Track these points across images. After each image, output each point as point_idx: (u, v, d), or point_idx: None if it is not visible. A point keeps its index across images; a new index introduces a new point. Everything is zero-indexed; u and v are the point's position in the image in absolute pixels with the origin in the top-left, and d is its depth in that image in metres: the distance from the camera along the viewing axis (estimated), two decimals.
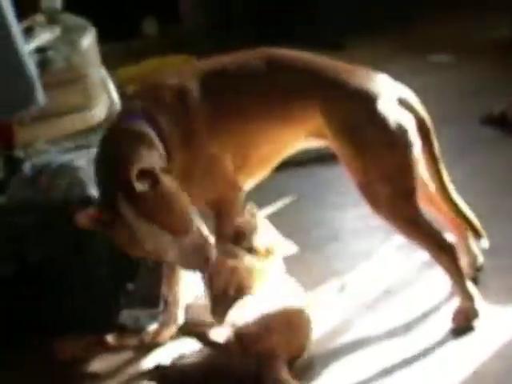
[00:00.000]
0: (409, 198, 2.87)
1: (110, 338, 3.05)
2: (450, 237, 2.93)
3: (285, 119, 2.93)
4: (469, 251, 3.13)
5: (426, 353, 2.81)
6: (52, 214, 3.09)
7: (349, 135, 2.88)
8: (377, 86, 2.94)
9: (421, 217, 2.89)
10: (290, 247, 3.00)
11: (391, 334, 2.93)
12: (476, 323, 2.88)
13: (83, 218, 2.56)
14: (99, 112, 4.10)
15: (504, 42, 5.07)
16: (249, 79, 2.94)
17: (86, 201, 3.02)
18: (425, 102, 2.97)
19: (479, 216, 3.06)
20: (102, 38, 4.43)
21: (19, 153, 3.54)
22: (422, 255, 3.27)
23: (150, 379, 2.79)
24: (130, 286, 3.16)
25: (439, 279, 3.12)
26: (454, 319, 2.93)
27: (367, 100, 2.88)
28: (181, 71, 3.07)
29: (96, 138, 3.43)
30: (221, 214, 2.91)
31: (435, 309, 3.03)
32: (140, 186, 2.48)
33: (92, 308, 3.06)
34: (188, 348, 2.86)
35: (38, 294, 3.11)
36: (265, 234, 2.94)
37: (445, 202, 3.05)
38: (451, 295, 3.03)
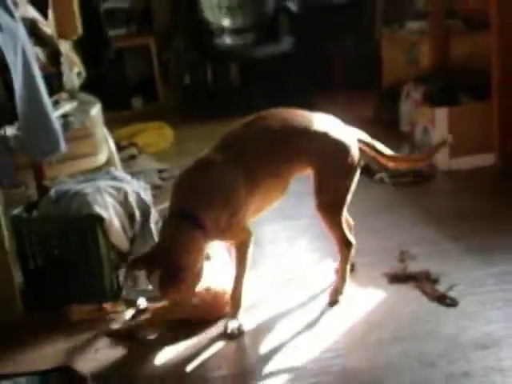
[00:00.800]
0: (340, 208, 2.88)
1: (107, 306, 3.02)
2: (352, 239, 2.96)
3: (290, 166, 2.85)
4: None
5: (314, 320, 2.85)
6: (68, 225, 3.05)
7: (324, 168, 2.85)
8: (344, 132, 2.91)
9: (341, 221, 2.90)
10: None
11: (292, 306, 2.96)
12: (344, 298, 2.94)
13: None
14: (102, 157, 4.09)
15: (368, 118, 5.11)
16: (261, 144, 2.80)
17: (92, 215, 3.01)
18: None
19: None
20: (105, 109, 4.41)
21: (47, 183, 3.51)
22: (314, 256, 3.31)
23: None
24: (121, 273, 3.11)
25: (324, 271, 3.15)
26: (330, 295, 2.95)
27: (338, 145, 2.85)
28: (210, 158, 2.81)
29: (99, 175, 3.45)
30: (239, 252, 2.81)
31: (319, 290, 3.06)
32: None
33: (95, 286, 3.04)
34: None
35: (59, 278, 3.07)
36: None
37: (396, 163, 3.12)
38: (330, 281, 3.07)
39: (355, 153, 2.90)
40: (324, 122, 2.91)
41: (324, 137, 2.85)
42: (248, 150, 2.79)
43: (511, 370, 2.37)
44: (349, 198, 2.89)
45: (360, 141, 2.97)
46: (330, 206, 2.88)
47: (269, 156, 2.80)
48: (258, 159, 2.78)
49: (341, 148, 2.86)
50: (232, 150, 2.79)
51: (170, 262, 2.54)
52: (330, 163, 2.86)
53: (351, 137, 2.92)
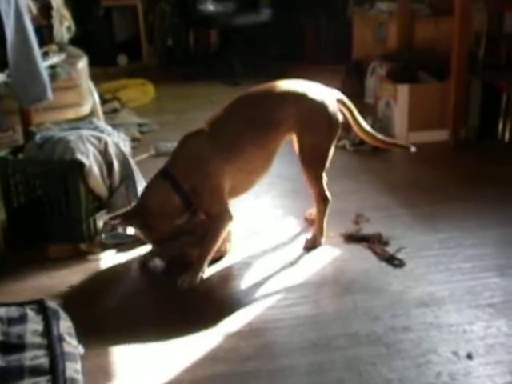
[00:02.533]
0: (321, 164, 2.92)
1: (83, 246, 3.01)
2: (329, 195, 3.00)
3: (274, 132, 2.85)
4: None
5: (272, 270, 2.85)
6: (51, 168, 3.01)
7: (307, 128, 2.87)
8: (324, 93, 2.93)
9: (321, 176, 2.95)
10: None
11: (252, 257, 2.97)
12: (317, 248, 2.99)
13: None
14: (86, 108, 4.03)
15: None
16: (240, 120, 2.82)
17: (73, 161, 2.97)
18: None
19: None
20: (92, 64, 4.33)
21: (34, 128, 3.46)
22: (277, 212, 3.31)
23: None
24: (99, 216, 3.09)
25: (285, 227, 3.15)
26: (307, 242, 3.02)
27: (320, 105, 2.87)
28: (198, 133, 2.83)
29: (82, 124, 3.38)
30: (212, 227, 2.78)
31: (279, 244, 3.08)
32: None
33: (73, 227, 3.00)
34: None
35: (40, 217, 3.05)
36: None
37: (371, 140, 3.17)
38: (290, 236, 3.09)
39: (335, 112, 2.92)
40: (303, 87, 2.91)
41: (303, 100, 2.86)
42: (230, 121, 2.82)
43: (447, 326, 2.42)
44: (330, 154, 2.93)
45: (339, 101, 2.99)
46: (312, 162, 2.91)
47: (251, 125, 2.81)
48: (240, 129, 2.80)
49: (320, 109, 2.88)
50: (216, 122, 2.82)
51: (144, 212, 2.78)
52: (312, 124, 2.88)
53: (331, 97, 2.94)
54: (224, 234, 2.80)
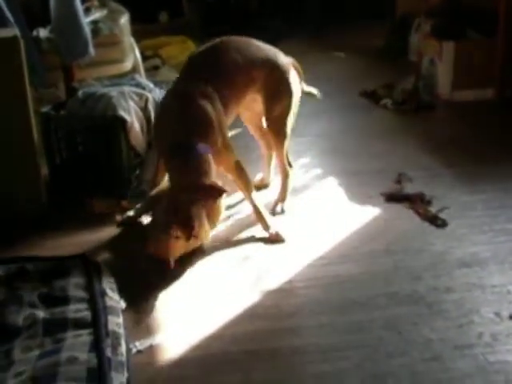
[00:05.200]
0: (285, 123, 2.91)
1: (124, 203, 3.01)
2: (291, 161, 3.03)
3: (245, 91, 2.85)
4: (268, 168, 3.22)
5: (311, 227, 2.82)
6: (93, 124, 3.02)
7: (271, 89, 2.87)
8: (284, 58, 2.95)
9: (285, 143, 2.94)
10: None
11: (291, 214, 2.94)
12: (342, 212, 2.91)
13: None
14: (128, 65, 4.03)
15: (379, 47, 5.02)
16: (226, 72, 2.79)
17: (115, 117, 2.97)
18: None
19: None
20: (133, 21, 4.31)
21: (76, 84, 3.47)
22: (316, 170, 3.27)
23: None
24: (138, 172, 3.09)
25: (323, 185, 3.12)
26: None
27: (283, 69, 2.90)
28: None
29: (124, 80, 3.38)
30: (238, 175, 2.76)
31: (319, 201, 3.04)
32: None
33: (115, 183, 3.00)
34: None
35: (82, 173, 3.06)
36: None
37: None
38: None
39: (298, 83, 2.96)
40: (270, 52, 2.93)
41: (270, 65, 2.88)
42: (218, 77, 2.76)
43: (490, 287, 2.38)
44: (291, 116, 2.93)
45: (294, 66, 3.00)
46: (279, 130, 2.92)
47: (233, 83, 2.81)
48: (228, 86, 2.78)
49: (287, 79, 2.90)
50: (204, 79, 2.73)
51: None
52: (278, 93, 2.89)
53: (292, 67, 2.96)
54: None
